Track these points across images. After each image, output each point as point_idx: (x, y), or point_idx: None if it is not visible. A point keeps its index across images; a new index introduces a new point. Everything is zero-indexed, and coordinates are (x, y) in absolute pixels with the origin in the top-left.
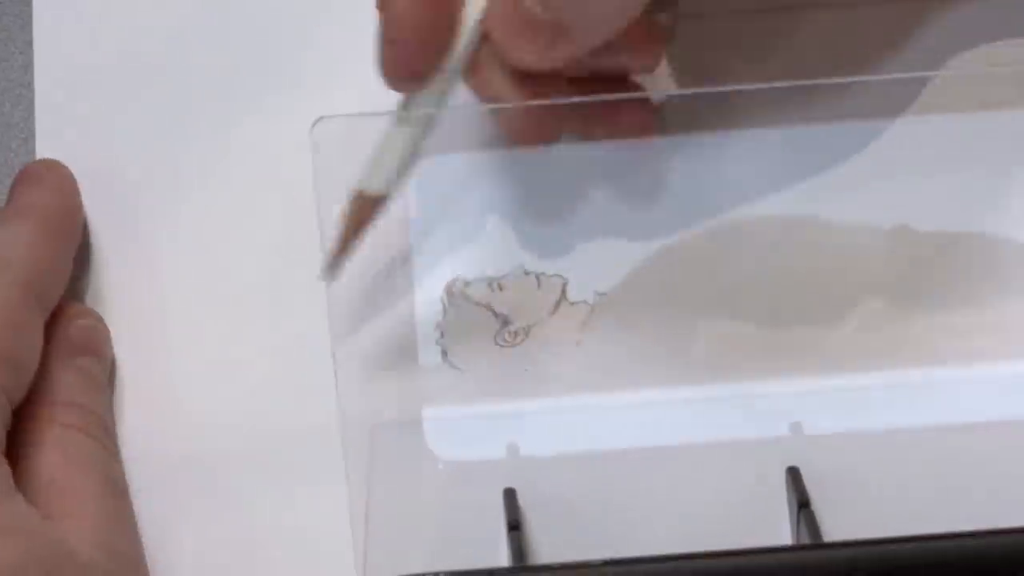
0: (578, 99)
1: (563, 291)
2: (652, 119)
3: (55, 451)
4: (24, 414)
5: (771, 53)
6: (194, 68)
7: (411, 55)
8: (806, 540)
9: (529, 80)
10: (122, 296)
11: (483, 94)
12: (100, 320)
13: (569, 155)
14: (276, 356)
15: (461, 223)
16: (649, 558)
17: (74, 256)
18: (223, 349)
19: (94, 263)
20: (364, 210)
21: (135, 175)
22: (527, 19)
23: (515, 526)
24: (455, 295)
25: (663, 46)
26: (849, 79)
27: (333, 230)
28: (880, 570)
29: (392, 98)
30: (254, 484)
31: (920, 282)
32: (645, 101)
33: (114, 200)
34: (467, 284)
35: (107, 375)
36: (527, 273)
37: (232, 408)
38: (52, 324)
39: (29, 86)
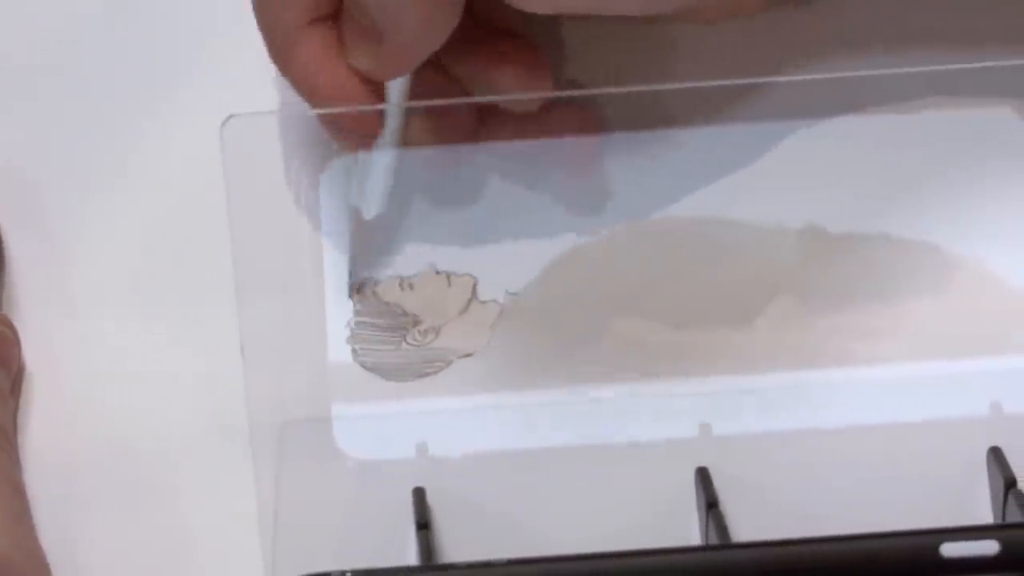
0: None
1: (473, 290)
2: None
3: None
4: None
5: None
6: (102, 66)
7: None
8: (714, 540)
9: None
10: (30, 299)
11: None
12: (7, 325)
13: (479, 154)
14: (185, 356)
15: (371, 222)
16: (554, 558)
17: None
18: (133, 349)
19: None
20: None
21: (42, 176)
22: (353, 25)
23: (424, 525)
24: (365, 294)
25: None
26: (760, 80)
27: None
28: (788, 571)
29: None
30: (162, 482)
31: (829, 283)
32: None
33: (22, 202)
34: (377, 283)
35: (10, 383)
36: (437, 272)
37: (142, 407)
38: None
39: None
